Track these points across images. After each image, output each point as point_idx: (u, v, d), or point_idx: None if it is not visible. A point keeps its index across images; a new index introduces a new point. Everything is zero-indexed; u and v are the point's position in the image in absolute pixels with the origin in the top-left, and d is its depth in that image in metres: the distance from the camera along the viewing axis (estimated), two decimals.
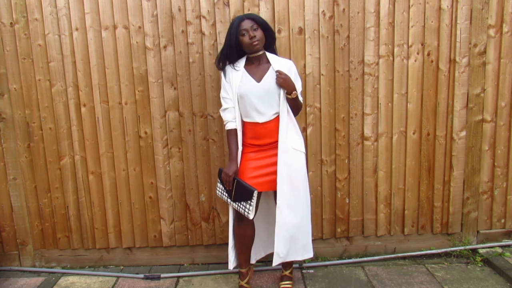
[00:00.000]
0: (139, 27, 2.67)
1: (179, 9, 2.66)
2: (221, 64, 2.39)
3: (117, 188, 2.85)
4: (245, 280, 2.50)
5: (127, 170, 2.83)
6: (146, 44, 2.69)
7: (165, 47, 2.70)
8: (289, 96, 2.28)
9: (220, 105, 2.41)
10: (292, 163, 2.31)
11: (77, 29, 2.67)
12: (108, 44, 2.69)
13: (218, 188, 2.46)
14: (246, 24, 2.25)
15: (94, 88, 2.73)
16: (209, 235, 2.92)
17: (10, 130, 2.78)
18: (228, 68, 2.38)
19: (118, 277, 2.81)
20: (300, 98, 2.39)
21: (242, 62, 2.38)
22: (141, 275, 2.78)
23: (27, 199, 2.86)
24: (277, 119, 2.33)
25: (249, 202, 2.26)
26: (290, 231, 2.34)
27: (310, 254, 2.47)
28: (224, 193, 2.40)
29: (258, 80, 2.31)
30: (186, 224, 2.91)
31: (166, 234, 2.91)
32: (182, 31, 2.69)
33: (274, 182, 2.32)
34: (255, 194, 2.23)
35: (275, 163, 2.32)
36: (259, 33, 2.26)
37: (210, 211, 2.89)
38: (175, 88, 2.74)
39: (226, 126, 2.41)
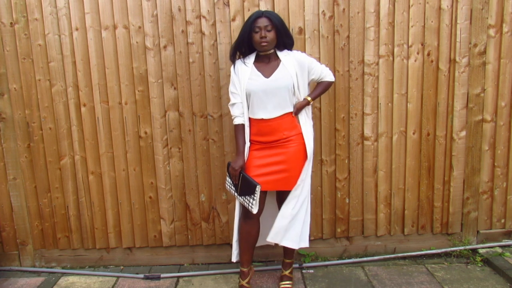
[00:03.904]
0: (139, 27, 2.67)
1: (179, 9, 2.66)
2: (232, 57, 2.41)
3: (117, 188, 2.85)
4: (246, 280, 2.50)
5: (127, 170, 2.83)
6: (146, 44, 2.69)
7: (165, 47, 2.70)
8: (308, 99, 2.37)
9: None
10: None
11: (77, 29, 2.67)
12: (108, 44, 2.69)
13: (227, 182, 2.48)
14: (262, 22, 2.25)
15: (94, 88, 2.73)
16: (209, 235, 2.92)
17: (10, 130, 2.78)
18: (238, 62, 2.39)
19: (118, 277, 2.81)
20: (325, 72, 2.41)
21: (252, 58, 2.38)
22: (141, 275, 2.78)
23: (27, 199, 2.86)
24: (281, 117, 2.33)
25: (252, 196, 2.27)
26: (287, 219, 2.35)
27: (305, 244, 2.44)
28: (232, 187, 2.42)
29: (268, 76, 2.32)
30: (186, 224, 2.91)
31: (166, 234, 2.91)
32: (182, 31, 2.69)
33: (277, 182, 2.34)
34: (258, 188, 2.24)
35: (277, 162, 2.33)
36: (271, 35, 2.26)
37: (210, 211, 2.89)
38: (175, 88, 2.74)
39: (234, 121, 2.41)
